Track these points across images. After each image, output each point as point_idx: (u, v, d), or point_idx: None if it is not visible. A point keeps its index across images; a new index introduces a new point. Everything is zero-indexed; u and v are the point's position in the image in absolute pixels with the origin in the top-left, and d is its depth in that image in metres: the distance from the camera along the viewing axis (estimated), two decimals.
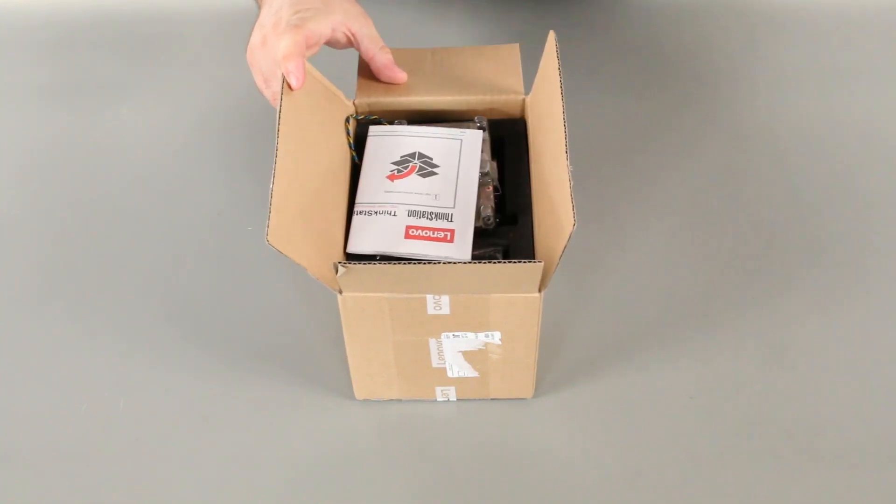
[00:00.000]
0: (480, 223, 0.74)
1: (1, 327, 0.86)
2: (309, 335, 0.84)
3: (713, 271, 0.89)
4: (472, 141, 0.78)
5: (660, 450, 0.77)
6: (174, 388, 0.82)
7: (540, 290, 0.70)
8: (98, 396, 0.81)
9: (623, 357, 0.83)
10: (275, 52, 0.75)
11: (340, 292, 0.70)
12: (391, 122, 0.81)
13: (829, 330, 0.84)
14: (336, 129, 0.79)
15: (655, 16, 1.14)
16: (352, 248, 0.73)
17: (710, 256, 0.90)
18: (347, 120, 0.80)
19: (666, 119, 1.02)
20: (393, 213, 0.74)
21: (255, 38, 0.79)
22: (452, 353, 0.75)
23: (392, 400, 0.80)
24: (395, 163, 0.77)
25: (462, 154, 0.77)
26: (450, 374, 0.77)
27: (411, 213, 0.74)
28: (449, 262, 0.69)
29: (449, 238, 0.72)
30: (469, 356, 0.75)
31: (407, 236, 0.72)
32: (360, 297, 0.70)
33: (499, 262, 0.66)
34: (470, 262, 0.68)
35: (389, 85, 0.82)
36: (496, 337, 0.73)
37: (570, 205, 0.64)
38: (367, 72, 0.83)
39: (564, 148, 0.67)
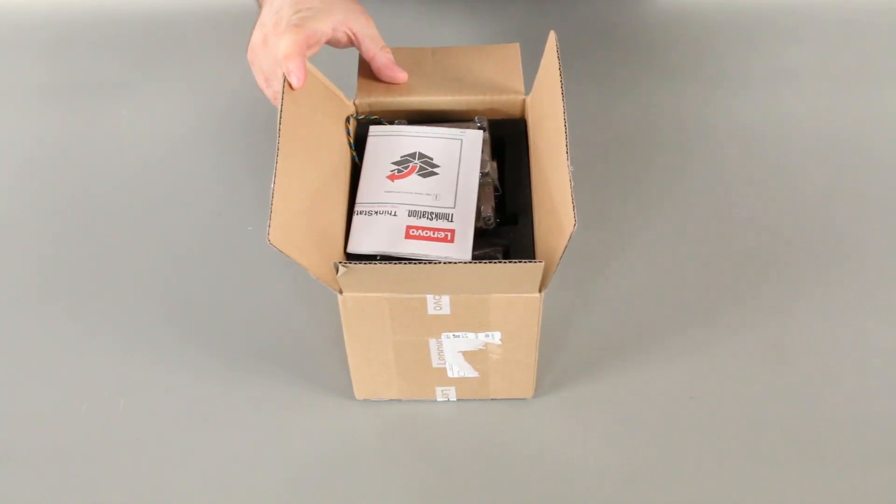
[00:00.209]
0: (481, 223, 0.74)
1: (1, 327, 0.86)
2: (309, 335, 0.84)
3: (713, 271, 0.89)
4: (473, 141, 0.78)
5: (660, 450, 0.77)
6: (174, 388, 0.82)
7: (540, 291, 0.69)
8: (98, 396, 0.81)
9: (623, 357, 0.83)
10: (276, 52, 0.75)
11: (340, 292, 0.70)
12: (391, 122, 0.81)
13: (829, 330, 0.84)
14: (336, 129, 0.79)
15: (656, 16, 1.14)
16: (352, 248, 0.72)
17: (710, 256, 0.90)
18: (348, 120, 0.80)
19: (666, 119, 1.02)
20: (393, 213, 0.74)
21: (256, 37, 0.79)
22: (452, 354, 0.75)
23: (392, 400, 0.80)
24: (395, 163, 0.77)
25: (462, 154, 0.77)
26: (450, 375, 0.77)
27: (411, 213, 0.74)
28: (449, 263, 0.69)
29: (449, 238, 0.72)
30: (469, 356, 0.75)
31: (407, 236, 0.72)
32: (360, 297, 0.70)
33: (499, 263, 0.66)
34: (470, 263, 0.68)
35: (390, 85, 0.82)
36: (496, 337, 0.73)
37: (571, 205, 0.64)
38: (367, 71, 0.83)
39: (565, 148, 0.67)
